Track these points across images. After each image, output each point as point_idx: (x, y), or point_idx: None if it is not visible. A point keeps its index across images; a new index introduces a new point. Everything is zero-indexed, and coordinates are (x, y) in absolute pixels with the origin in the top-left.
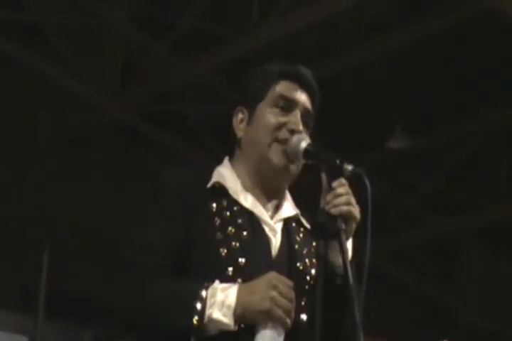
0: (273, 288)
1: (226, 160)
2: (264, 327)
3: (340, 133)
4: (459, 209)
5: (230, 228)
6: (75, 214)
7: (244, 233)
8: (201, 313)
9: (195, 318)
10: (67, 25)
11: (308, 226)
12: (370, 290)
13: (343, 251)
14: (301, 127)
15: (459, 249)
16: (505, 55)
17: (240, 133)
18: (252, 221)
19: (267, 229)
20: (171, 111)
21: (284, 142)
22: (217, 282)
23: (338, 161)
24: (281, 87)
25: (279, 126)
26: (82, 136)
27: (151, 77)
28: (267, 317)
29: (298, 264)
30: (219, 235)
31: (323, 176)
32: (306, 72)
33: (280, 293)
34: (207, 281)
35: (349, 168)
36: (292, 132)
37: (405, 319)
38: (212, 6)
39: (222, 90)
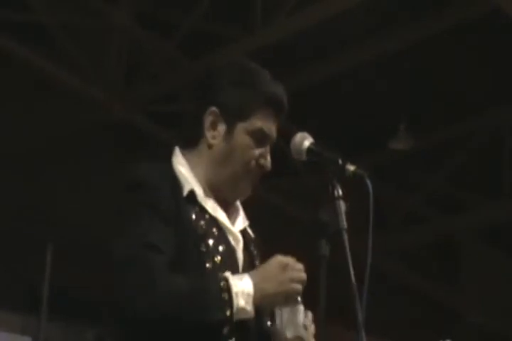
0: (284, 270)
1: (179, 154)
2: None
3: (342, 132)
4: (463, 209)
5: (210, 241)
6: (78, 213)
7: (221, 247)
8: (230, 304)
9: (227, 309)
10: (72, 25)
11: (253, 237)
12: (372, 289)
13: (345, 250)
14: (269, 163)
15: (462, 249)
16: (507, 55)
17: (211, 141)
18: (219, 230)
19: (231, 238)
20: (176, 111)
21: (253, 170)
22: (227, 273)
23: (340, 161)
24: (263, 120)
25: (252, 159)
26: (86, 136)
27: (156, 76)
28: (286, 299)
29: None
30: (203, 247)
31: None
32: (284, 95)
33: (292, 269)
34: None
35: (351, 168)
36: (261, 167)
37: (408, 318)
38: (217, 6)
39: None
